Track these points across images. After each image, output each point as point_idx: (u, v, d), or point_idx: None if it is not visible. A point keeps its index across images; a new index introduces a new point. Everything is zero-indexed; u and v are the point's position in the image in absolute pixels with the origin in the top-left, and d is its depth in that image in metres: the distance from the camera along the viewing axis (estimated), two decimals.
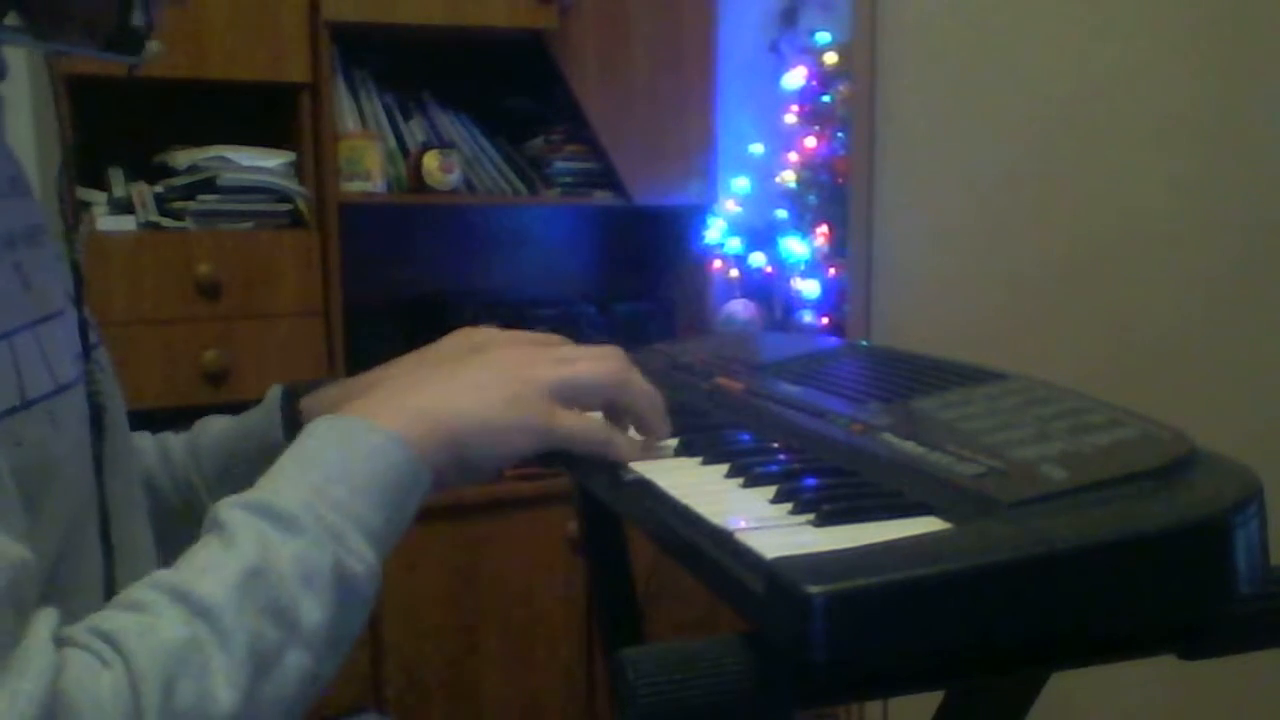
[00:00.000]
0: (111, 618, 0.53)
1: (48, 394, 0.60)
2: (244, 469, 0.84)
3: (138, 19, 0.65)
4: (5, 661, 0.48)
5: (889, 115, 2.05)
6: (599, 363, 0.71)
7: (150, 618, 0.52)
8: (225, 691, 0.51)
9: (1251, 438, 1.16)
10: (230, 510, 0.58)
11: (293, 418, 0.84)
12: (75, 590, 0.63)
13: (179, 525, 0.85)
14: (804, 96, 2.32)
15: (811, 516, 0.57)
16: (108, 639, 0.51)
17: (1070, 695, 1.11)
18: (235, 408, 0.90)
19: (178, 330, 2.09)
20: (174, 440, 0.88)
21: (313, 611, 0.55)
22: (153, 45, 0.67)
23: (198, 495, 0.85)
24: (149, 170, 2.20)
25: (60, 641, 0.51)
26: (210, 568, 0.55)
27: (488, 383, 0.67)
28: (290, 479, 0.60)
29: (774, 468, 0.65)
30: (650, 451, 0.72)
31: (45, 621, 0.51)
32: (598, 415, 0.72)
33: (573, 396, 0.69)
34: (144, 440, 0.88)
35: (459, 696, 2.29)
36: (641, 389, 0.72)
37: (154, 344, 2.07)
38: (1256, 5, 1.42)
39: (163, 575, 0.55)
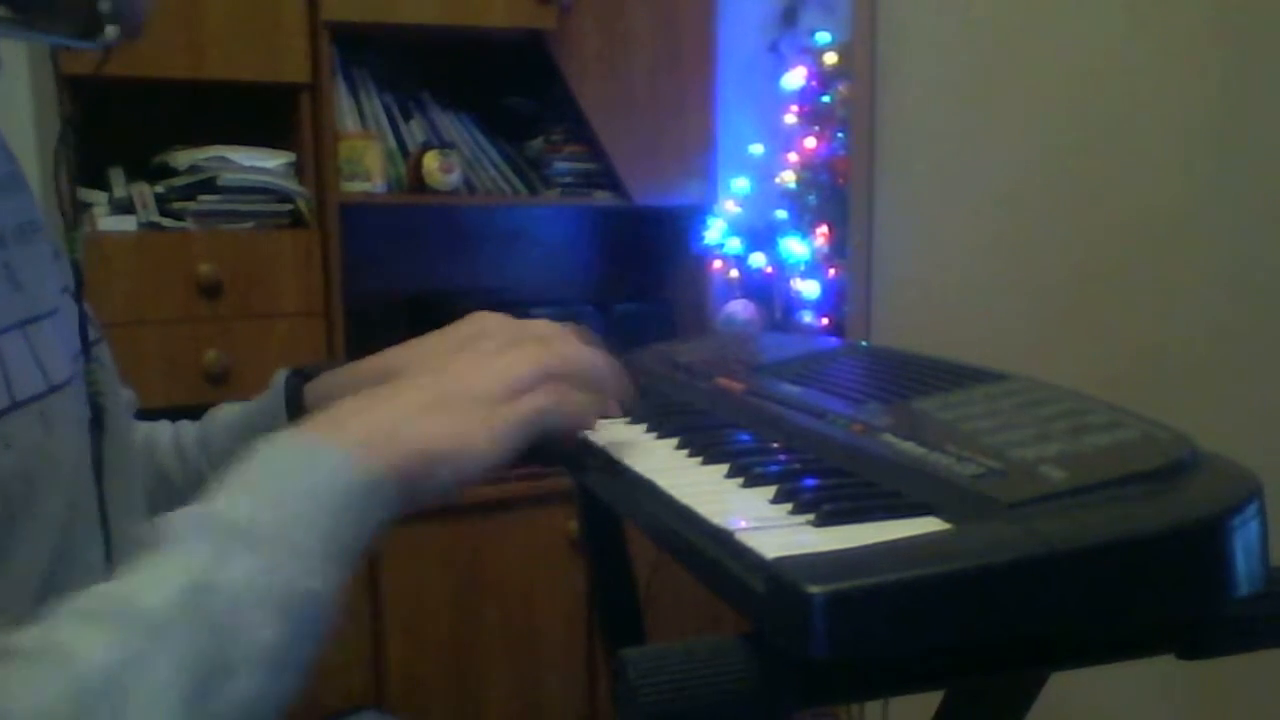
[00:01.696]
0: (52, 627, 0.49)
1: (39, 394, 0.60)
2: None
3: (105, 5, 0.64)
4: None
5: (889, 115, 2.05)
6: (521, 352, 0.68)
7: (91, 627, 0.49)
8: (165, 716, 0.48)
9: (1252, 438, 1.16)
10: (182, 521, 0.55)
11: (297, 402, 0.83)
12: (74, 588, 0.62)
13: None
14: (804, 97, 2.32)
15: (811, 516, 0.57)
16: (49, 647, 0.48)
17: (1070, 695, 1.11)
18: None
19: (178, 330, 2.10)
20: (188, 429, 0.88)
21: (263, 630, 0.52)
22: (111, 29, 0.64)
23: (206, 483, 0.85)
24: (149, 170, 2.21)
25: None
26: (157, 579, 0.52)
27: (443, 397, 0.64)
28: (245, 492, 0.57)
29: (774, 468, 0.65)
30: (616, 410, 0.71)
31: None
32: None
33: (518, 390, 0.66)
34: (163, 430, 0.87)
35: (459, 696, 2.29)
36: (592, 363, 0.70)
37: (154, 344, 2.07)
38: (1266, 6, 1.42)
39: (106, 586, 0.52)
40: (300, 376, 0.85)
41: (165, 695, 0.48)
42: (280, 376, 0.85)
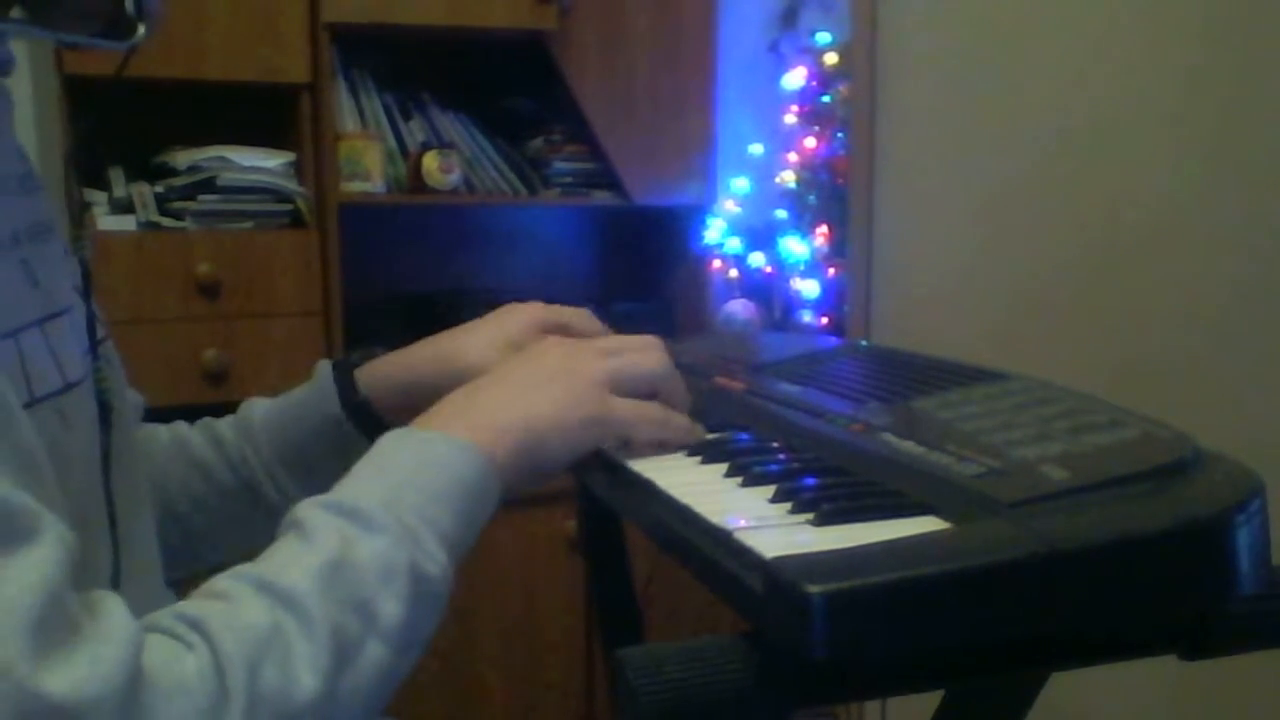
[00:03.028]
0: (195, 605, 0.54)
1: (56, 391, 0.60)
2: (304, 446, 0.85)
3: (130, 5, 0.66)
4: (82, 632, 0.48)
5: (889, 115, 2.05)
6: (645, 353, 0.74)
7: (234, 605, 0.53)
8: (308, 677, 0.52)
9: (1252, 438, 1.16)
10: (309, 509, 0.59)
11: (349, 390, 0.84)
12: (83, 586, 0.63)
13: (235, 507, 0.85)
14: (804, 97, 2.32)
15: (811, 516, 0.57)
16: (192, 623, 0.52)
17: (1070, 695, 1.11)
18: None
19: (178, 330, 2.09)
20: (222, 424, 0.88)
21: (391, 607, 0.56)
22: (142, 29, 0.67)
23: (254, 473, 0.85)
24: (149, 170, 2.21)
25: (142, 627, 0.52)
26: (291, 561, 0.56)
27: (544, 383, 0.69)
28: (366, 483, 0.62)
29: (773, 467, 0.65)
30: (696, 435, 0.74)
31: (117, 601, 0.51)
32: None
33: (623, 386, 0.71)
34: (188, 428, 0.88)
35: (458, 696, 2.29)
36: (679, 380, 0.75)
37: (154, 344, 2.07)
38: (1261, 9, 1.42)
39: (244, 568, 0.56)
40: (346, 366, 0.86)
41: (315, 659, 0.53)
42: (325, 366, 0.86)
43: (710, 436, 0.74)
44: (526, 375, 0.70)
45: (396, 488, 0.61)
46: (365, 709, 0.56)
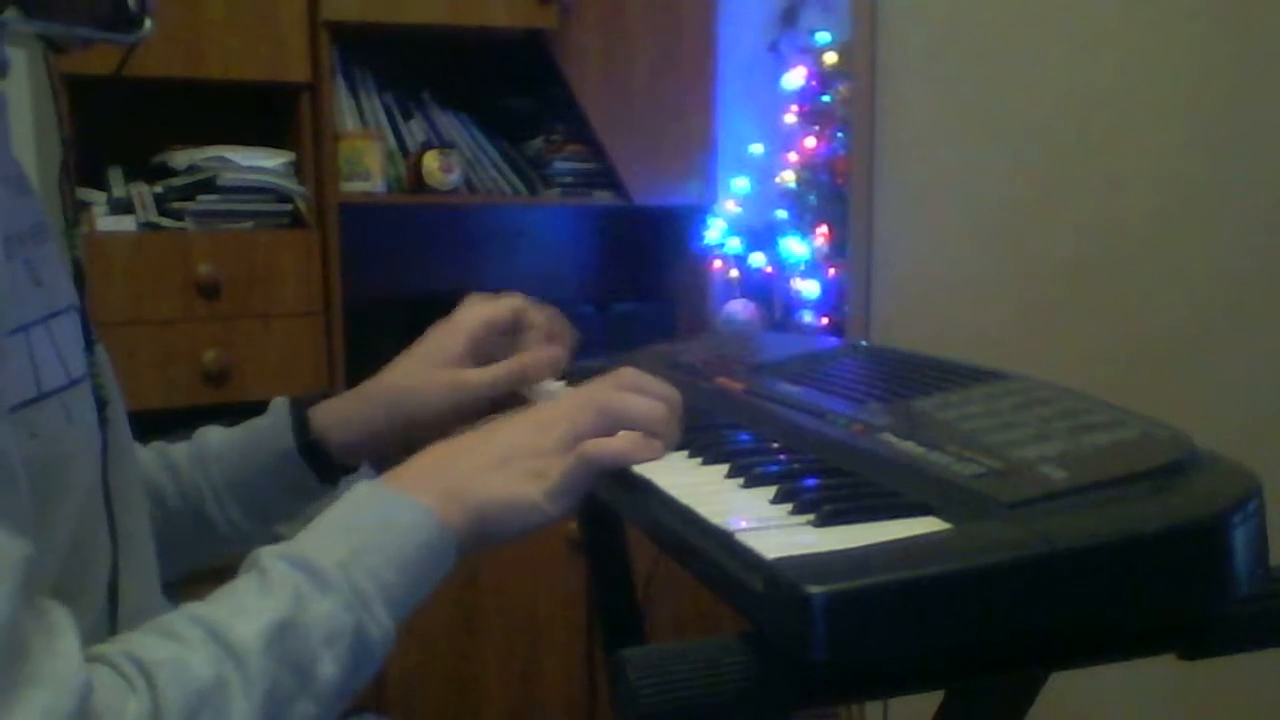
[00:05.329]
0: (147, 645, 0.55)
1: (61, 386, 0.61)
2: (255, 478, 0.88)
3: (133, 1, 0.66)
4: (33, 672, 0.50)
5: (889, 115, 2.05)
6: (589, 405, 0.72)
7: (183, 652, 0.55)
8: None
9: (1252, 438, 1.16)
10: (272, 559, 0.61)
11: (303, 426, 0.87)
12: (84, 580, 0.64)
13: (184, 532, 0.86)
14: (804, 96, 2.32)
15: (812, 517, 0.57)
16: (141, 666, 0.54)
17: (1070, 695, 1.11)
18: (235, 407, 0.91)
19: (178, 330, 2.09)
20: (176, 449, 0.89)
21: (329, 669, 0.59)
22: (148, 24, 0.68)
23: (204, 502, 0.87)
24: (149, 170, 2.20)
25: (91, 658, 0.53)
26: (246, 611, 0.58)
27: (509, 461, 0.70)
28: (330, 538, 0.64)
29: (774, 468, 0.65)
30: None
31: (70, 634, 0.53)
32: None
33: (570, 441, 0.71)
34: (146, 450, 0.88)
35: (459, 696, 2.29)
36: (635, 406, 0.72)
37: (154, 344, 2.07)
38: (1261, 7, 1.42)
39: (201, 609, 0.58)
40: (301, 404, 0.89)
41: (248, 716, 0.55)
42: (281, 401, 0.89)
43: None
44: (497, 449, 0.71)
45: (357, 549, 0.63)
46: None
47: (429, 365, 0.86)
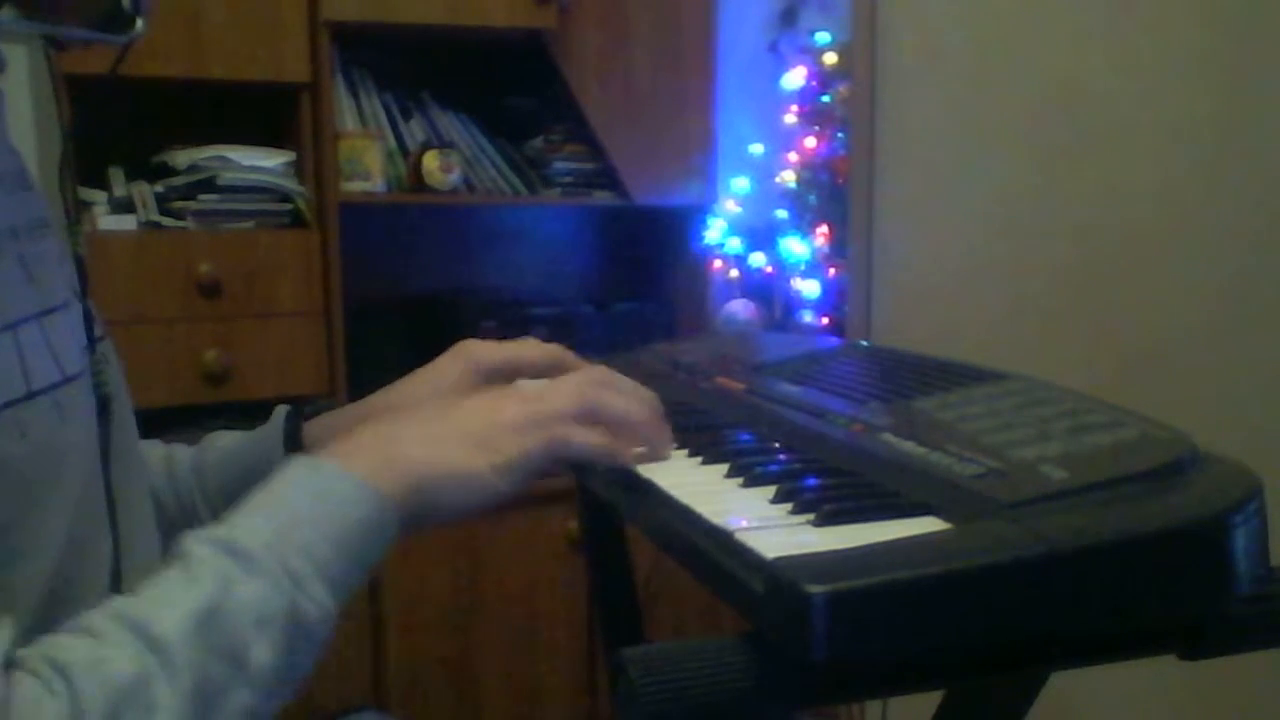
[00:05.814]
0: (65, 646, 0.54)
1: (54, 385, 0.61)
2: (246, 485, 0.85)
3: (127, 1, 0.66)
4: None
5: (889, 115, 2.05)
6: (562, 390, 0.72)
7: (103, 649, 0.53)
8: None
9: (1251, 438, 1.16)
10: (196, 543, 0.59)
11: (295, 439, 0.86)
12: (84, 577, 0.63)
13: (174, 533, 0.86)
14: (804, 96, 2.32)
15: (811, 516, 0.57)
16: (58, 669, 0.52)
17: (1070, 695, 1.11)
18: (235, 408, 0.91)
19: (178, 330, 2.09)
20: (182, 453, 0.89)
21: (263, 654, 0.56)
22: (139, 24, 0.67)
23: (198, 512, 0.87)
24: (149, 170, 2.20)
25: (10, 663, 0.52)
26: (168, 602, 0.56)
27: (454, 432, 0.68)
28: (258, 517, 0.61)
29: (774, 468, 0.65)
30: (653, 448, 0.72)
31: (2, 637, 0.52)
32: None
33: (526, 427, 0.69)
34: (154, 450, 0.88)
35: (459, 695, 2.29)
36: (612, 402, 0.72)
37: (154, 344, 2.06)
38: (1260, 9, 1.42)
39: (121, 604, 0.56)
40: (299, 415, 0.88)
41: (178, 712, 0.53)
42: (280, 413, 0.88)
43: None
44: (438, 420, 0.69)
45: (287, 525, 0.60)
46: None
47: (430, 389, 0.85)
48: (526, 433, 0.68)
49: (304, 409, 0.89)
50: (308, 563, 0.59)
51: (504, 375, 0.85)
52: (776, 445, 0.70)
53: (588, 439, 0.69)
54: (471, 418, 0.69)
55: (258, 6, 2.13)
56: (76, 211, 0.73)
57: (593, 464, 0.70)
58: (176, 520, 0.86)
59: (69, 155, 0.75)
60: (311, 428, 0.87)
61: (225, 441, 0.89)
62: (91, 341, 0.68)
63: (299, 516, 0.61)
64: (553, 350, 0.86)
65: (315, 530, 0.60)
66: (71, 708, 0.51)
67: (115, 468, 0.68)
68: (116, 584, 0.66)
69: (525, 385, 0.82)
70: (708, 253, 2.60)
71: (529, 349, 0.85)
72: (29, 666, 0.53)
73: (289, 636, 0.57)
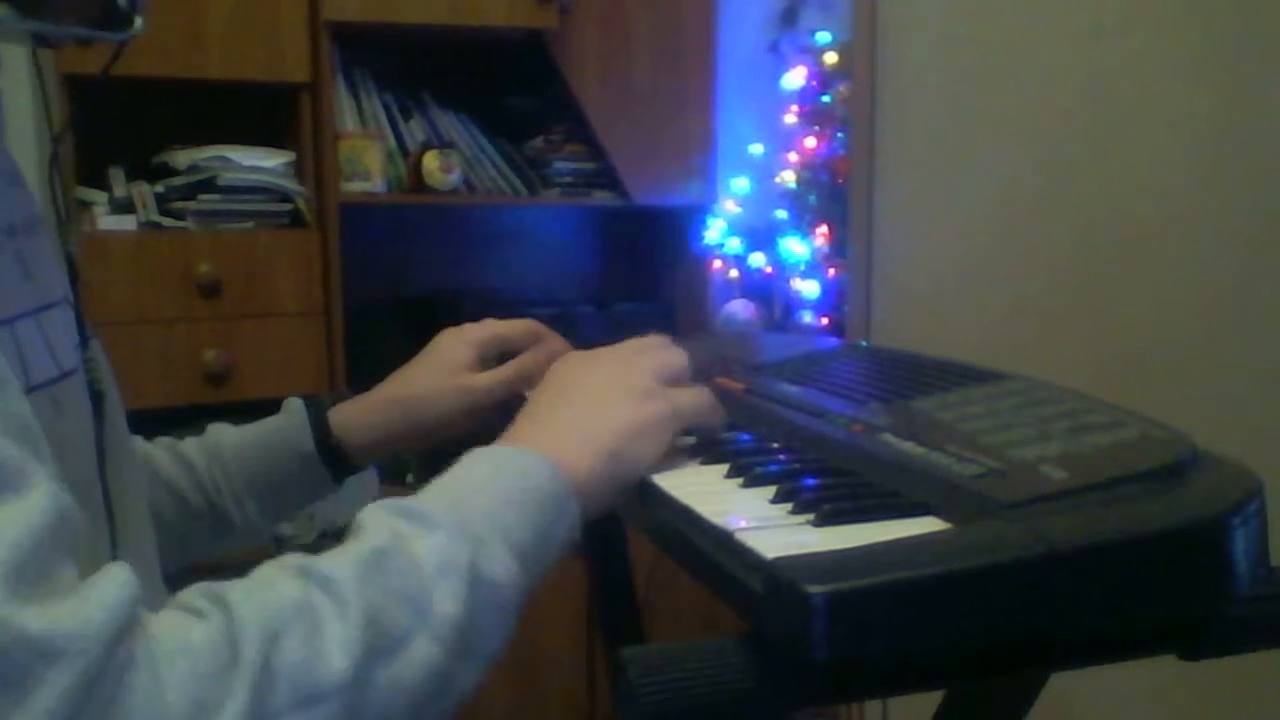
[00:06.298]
0: (226, 583, 0.51)
1: (52, 380, 0.61)
2: (274, 478, 0.89)
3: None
4: (69, 587, 0.46)
5: (889, 115, 2.05)
6: (670, 348, 0.75)
7: (265, 582, 0.51)
8: (338, 657, 0.48)
9: (1251, 438, 1.16)
10: (370, 511, 0.57)
11: (324, 431, 0.88)
12: (82, 574, 0.63)
13: (200, 527, 0.87)
14: (804, 96, 2.32)
15: (811, 516, 0.57)
16: (211, 595, 0.50)
17: (1070, 695, 1.11)
18: (235, 407, 0.91)
19: (178, 330, 2.09)
20: (188, 444, 0.90)
21: (445, 604, 0.52)
22: (138, 22, 0.67)
23: (224, 500, 0.88)
24: (149, 170, 2.20)
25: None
26: (338, 552, 0.54)
27: (611, 392, 0.68)
28: (436, 491, 0.60)
29: (774, 468, 0.65)
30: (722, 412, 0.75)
31: (122, 566, 0.49)
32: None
33: (674, 379, 0.72)
34: (151, 447, 0.89)
35: None
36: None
37: (154, 344, 2.07)
38: (1260, 9, 1.42)
39: (287, 557, 0.53)
40: (320, 404, 0.90)
41: (347, 640, 0.49)
42: (297, 402, 0.90)
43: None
44: (591, 388, 0.69)
45: (465, 495, 0.58)
46: (412, 712, 0.51)
47: (438, 373, 0.88)
48: (677, 384, 0.71)
49: (321, 400, 0.90)
50: (490, 525, 0.56)
51: (495, 350, 0.89)
52: (776, 445, 0.70)
53: (712, 401, 0.72)
54: (618, 374, 0.70)
55: (258, 6, 2.13)
56: (68, 211, 0.73)
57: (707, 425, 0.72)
58: (197, 507, 0.87)
59: (58, 154, 0.76)
60: (334, 417, 0.89)
61: (238, 433, 0.90)
62: (84, 339, 0.69)
63: (475, 488, 0.59)
64: (525, 323, 0.91)
65: (495, 498, 0.58)
66: (226, 626, 0.47)
67: (110, 463, 0.68)
68: None
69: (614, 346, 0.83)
70: (708, 253, 2.60)
71: (506, 325, 0.90)
72: (183, 600, 0.50)
73: (474, 593, 0.53)
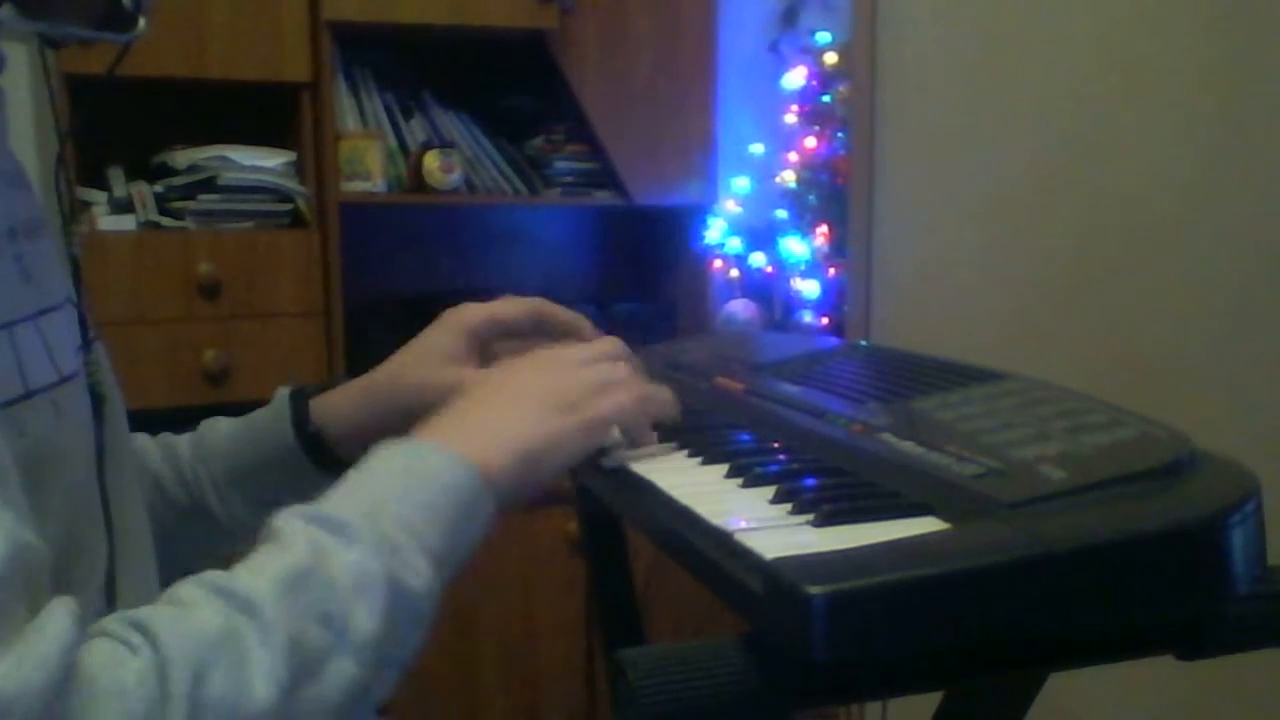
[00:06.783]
0: (147, 610, 0.52)
1: (51, 384, 0.61)
2: (256, 469, 0.86)
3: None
4: (15, 631, 0.47)
5: (889, 115, 2.05)
6: (602, 349, 0.76)
7: (187, 610, 0.52)
8: (262, 686, 0.50)
9: (1251, 438, 1.17)
10: (286, 518, 0.58)
11: (303, 419, 0.86)
12: (80, 578, 0.63)
13: (186, 524, 0.86)
14: (804, 96, 2.32)
15: (811, 517, 0.57)
16: (138, 626, 0.50)
17: (1070, 695, 1.11)
18: (235, 408, 0.91)
19: (178, 330, 2.09)
20: (179, 440, 0.89)
21: (363, 620, 0.54)
22: (141, 22, 0.67)
23: (205, 494, 0.86)
24: (149, 170, 2.20)
25: (90, 634, 0.50)
26: (256, 568, 0.54)
27: (533, 397, 0.69)
28: (350, 494, 0.60)
29: (774, 468, 0.65)
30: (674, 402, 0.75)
31: (64, 604, 0.50)
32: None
33: (605, 389, 0.72)
34: (146, 441, 0.88)
35: (458, 696, 2.29)
36: (638, 369, 0.76)
37: (154, 344, 2.07)
38: (1261, 10, 1.42)
39: (206, 574, 0.54)
40: (304, 395, 0.88)
41: (271, 668, 0.50)
42: (283, 393, 0.88)
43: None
44: (514, 391, 0.70)
45: (381, 499, 0.59)
46: None
47: (428, 361, 0.85)
48: (603, 393, 0.70)
49: (308, 388, 0.88)
50: (406, 533, 0.57)
51: (492, 333, 0.87)
52: (776, 445, 0.71)
53: (645, 406, 0.73)
54: (545, 383, 0.70)
55: (258, 6, 2.13)
56: (72, 212, 0.73)
57: (636, 434, 0.73)
58: (183, 505, 0.86)
59: (64, 155, 0.76)
60: (316, 407, 0.86)
61: (226, 426, 0.89)
62: (86, 342, 0.68)
63: (393, 491, 0.60)
64: (531, 302, 0.88)
65: (410, 503, 0.59)
66: (155, 661, 0.48)
67: (110, 467, 0.68)
68: (111, 583, 0.66)
69: (554, 350, 0.82)
70: (708, 253, 2.60)
71: (509, 305, 0.88)
72: (110, 630, 0.50)
73: (391, 605, 0.55)
